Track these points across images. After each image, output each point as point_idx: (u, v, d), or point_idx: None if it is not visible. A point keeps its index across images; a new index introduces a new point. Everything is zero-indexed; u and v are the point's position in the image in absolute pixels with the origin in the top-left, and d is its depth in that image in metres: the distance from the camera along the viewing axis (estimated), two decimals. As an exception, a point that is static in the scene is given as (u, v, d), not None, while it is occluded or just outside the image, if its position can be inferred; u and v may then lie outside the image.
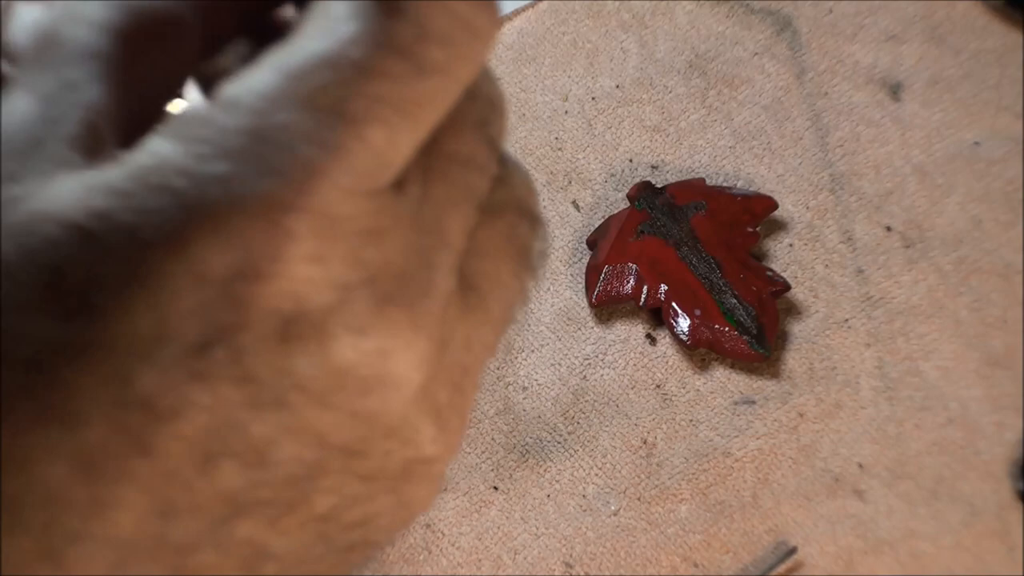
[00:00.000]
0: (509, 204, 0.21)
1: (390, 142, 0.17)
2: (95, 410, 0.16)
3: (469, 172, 0.19)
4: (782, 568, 0.45)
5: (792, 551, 0.46)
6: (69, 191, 0.16)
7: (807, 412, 0.48)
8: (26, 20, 0.18)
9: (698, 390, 0.49)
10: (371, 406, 0.18)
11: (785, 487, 0.47)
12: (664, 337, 0.49)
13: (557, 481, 0.47)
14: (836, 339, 0.50)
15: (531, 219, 0.21)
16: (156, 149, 0.16)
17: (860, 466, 0.48)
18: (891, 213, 0.52)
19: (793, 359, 0.49)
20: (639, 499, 0.47)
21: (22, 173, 0.17)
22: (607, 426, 0.48)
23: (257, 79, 0.17)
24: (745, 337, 0.48)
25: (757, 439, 0.48)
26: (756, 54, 0.55)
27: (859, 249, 0.52)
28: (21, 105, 0.17)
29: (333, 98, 0.17)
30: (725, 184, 0.53)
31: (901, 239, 0.52)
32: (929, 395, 0.49)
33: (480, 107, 0.20)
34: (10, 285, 0.16)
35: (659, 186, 0.51)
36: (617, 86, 0.55)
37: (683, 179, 0.52)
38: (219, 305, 0.16)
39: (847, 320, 0.50)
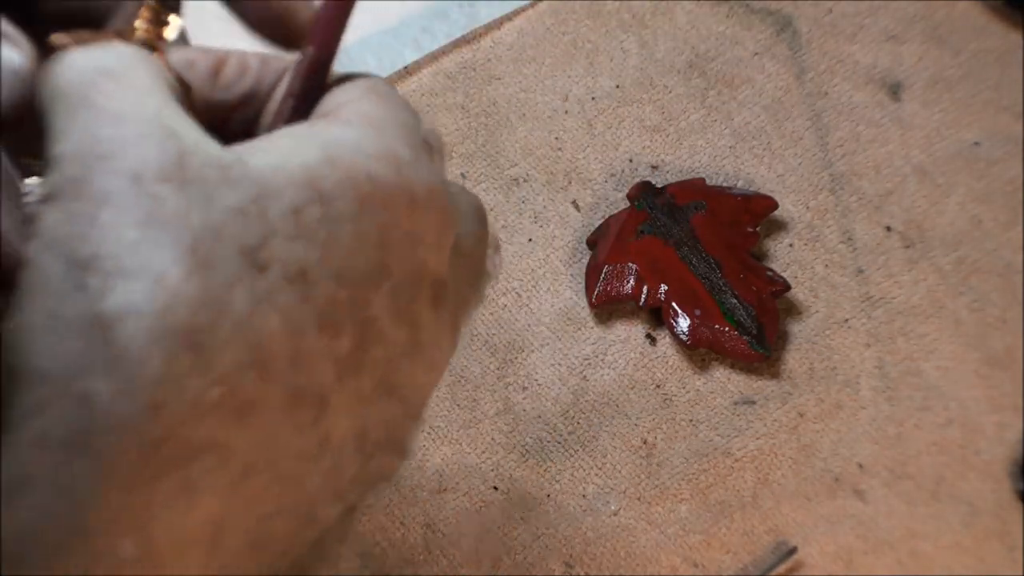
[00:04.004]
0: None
1: None
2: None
3: None
4: (782, 568, 0.45)
5: (792, 551, 0.46)
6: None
7: (807, 412, 0.48)
8: None
9: (698, 390, 0.49)
10: None
11: (785, 487, 0.47)
12: (664, 337, 0.49)
13: (557, 481, 0.47)
14: (836, 339, 0.50)
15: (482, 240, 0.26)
16: None
17: (860, 466, 0.48)
18: (891, 213, 0.52)
19: (793, 359, 0.49)
20: (639, 499, 0.47)
21: None
22: (607, 426, 0.48)
23: None
24: (745, 337, 0.48)
25: (757, 439, 0.48)
26: (756, 54, 0.55)
27: (859, 249, 0.52)
28: None
29: None
30: (725, 184, 0.53)
31: (901, 239, 0.52)
32: (929, 395, 0.49)
33: None
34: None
35: (659, 186, 0.51)
36: (617, 86, 0.55)
37: (683, 179, 0.52)
38: None
39: (847, 320, 0.50)
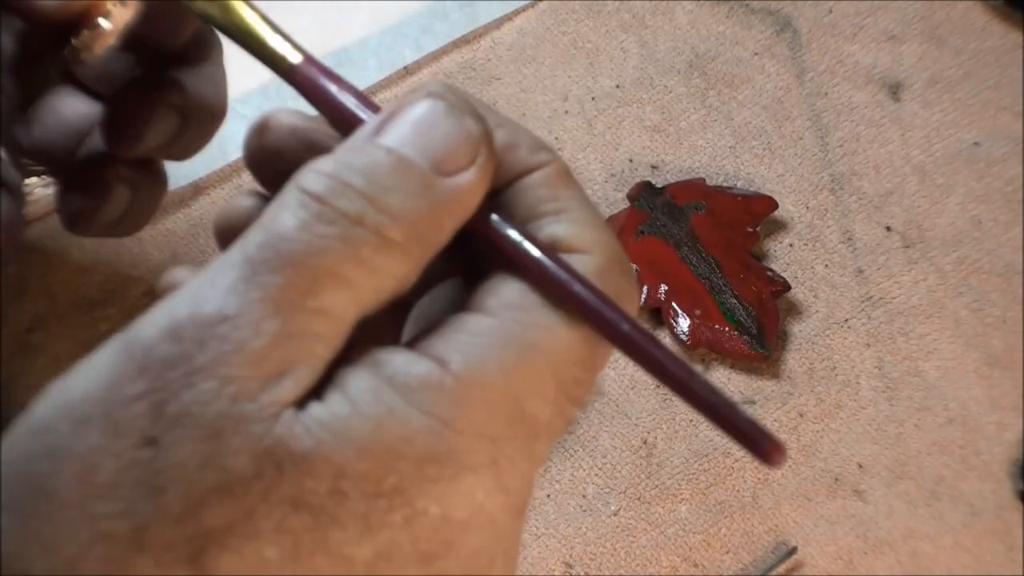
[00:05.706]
0: None
1: None
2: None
3: None
4: (782, 568, 0.45)
5: (792, 551, 0.46)
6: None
7: (807, 412, 0.48)
8: None
9: (698, 390, 0.49)
10: None
11: (785, 487, 0.47)
12: (664, 337, 0.49)
13: (557, 481, 0.47)
14: (836, 339, 0.50)
15: None
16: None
17: (860, 466, 0.48)
18: (891, 213, 0.52)
19: (793, 359, 0.49)
20: (639, 499, 0.47)
21: None
22: (607, 426, 0.48)
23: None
24: (745, 337, 0.48)
25: (757, 439, 0.48)
26: (756, 54, 0.55)
27: (859, 249, 0.52)
28: None
29: None
30: (725, 184, 0.53)
31: (901, 239, 0.52)
32: (929, 395, 0.49)
33: None
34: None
35: (659, 186, 0.51)
36: (617, 86, 0.55)
37: (683, 179, 0.52)
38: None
39: (847, 320, 0.50)
